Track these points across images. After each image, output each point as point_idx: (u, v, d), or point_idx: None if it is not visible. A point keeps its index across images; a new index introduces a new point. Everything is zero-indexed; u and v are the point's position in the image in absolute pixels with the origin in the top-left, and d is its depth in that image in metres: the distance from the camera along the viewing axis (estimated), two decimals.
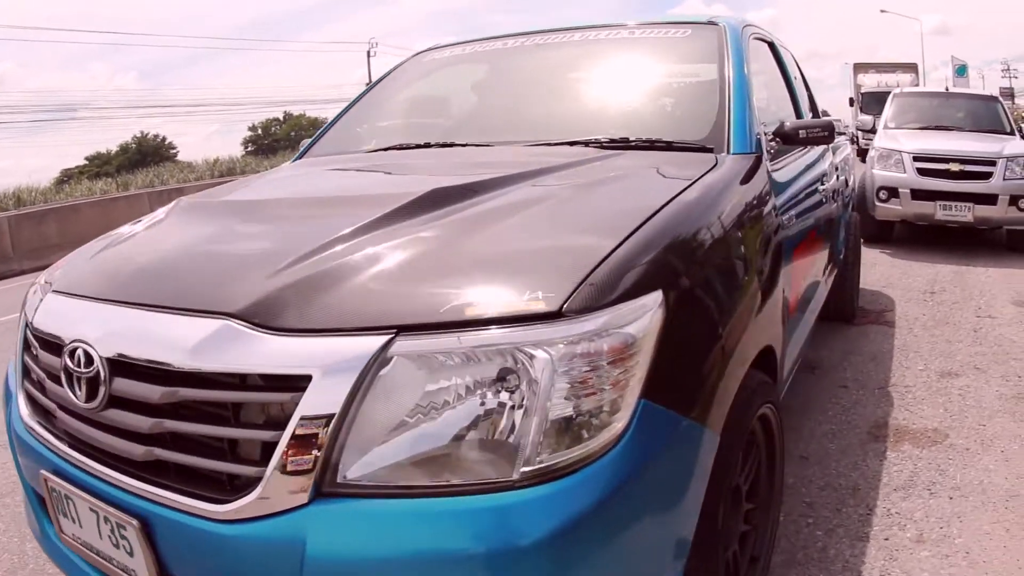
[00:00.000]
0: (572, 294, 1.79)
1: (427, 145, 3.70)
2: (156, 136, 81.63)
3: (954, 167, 10.17)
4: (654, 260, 2.01)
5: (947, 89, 13.65)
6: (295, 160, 4.16)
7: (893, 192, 10.53)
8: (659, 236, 2.11)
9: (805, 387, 5.39)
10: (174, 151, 79.32)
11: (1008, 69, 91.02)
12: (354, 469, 1.70)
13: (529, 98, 4.03)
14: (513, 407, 1.70)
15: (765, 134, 3.33)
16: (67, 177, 53.49)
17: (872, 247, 10.83)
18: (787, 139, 3.44)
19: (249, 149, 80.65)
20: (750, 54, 3.78)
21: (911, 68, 33.45)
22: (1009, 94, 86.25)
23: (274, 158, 46.23)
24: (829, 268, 5.36)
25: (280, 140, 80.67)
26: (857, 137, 19.04)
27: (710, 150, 3.04)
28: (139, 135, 79.44)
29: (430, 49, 4.81)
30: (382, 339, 1.72)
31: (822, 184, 4.56)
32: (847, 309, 6.79)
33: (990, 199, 10.04)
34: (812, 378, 5.61)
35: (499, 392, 1.71)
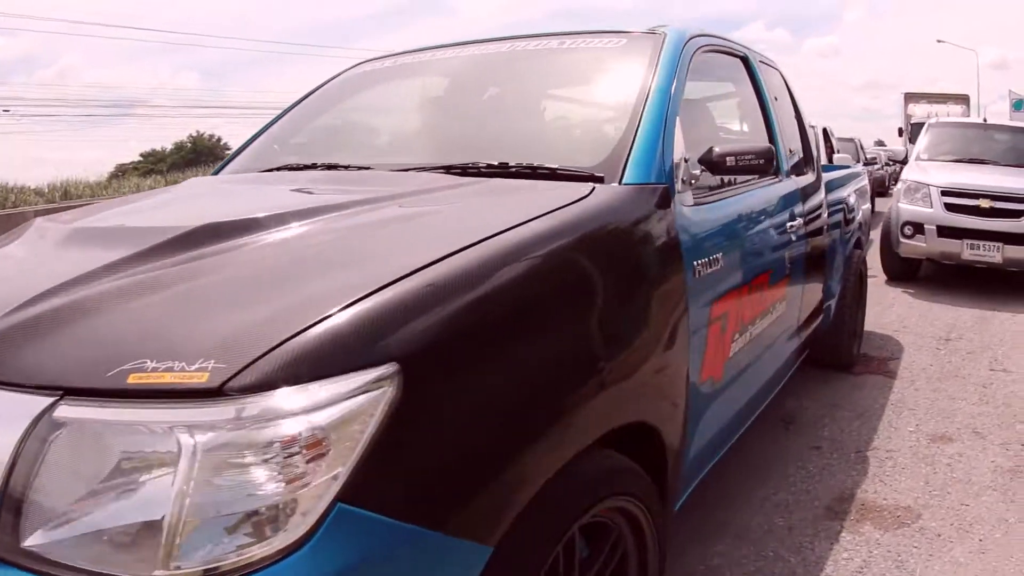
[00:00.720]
0: (244, 369, 1.44)
1: (312, 166, 3.36)
2: (211, 136, 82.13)
3: (984, 203, 9.55)
4: (392, 324, 1.61)
5: (984, 120, 12.85)
6: (214, 173, 3.90)
7: (918, 228, 9.88)
8: (419, 292, 1.70)
9: (773, 445, 4.85)
10: (228, 151, 79.52)
11: None
12: (32, 538, 1.44)
13: (436, 116, 3.83)
14: (160, 498, 1.42)
15: (687, 161, 2.81)
16: (121, 172, 53.95)
17: (895, 285, 10.30)
18: (714, 168, 2.91)
19: None
20: (693, 69, 3.37)
21: (963, 99, 32.52)
22: None
23: None
24: (806, 319, 4.91)
25: None
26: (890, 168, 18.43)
27: (599, 179, 2.62)
28: (195, 134, 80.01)
29: (366, 61, 4.49)
30: (46, 400, 1.48)
31: (794, 220, 4.17)
32: (845, 357, 6.24)
33: (1021, 239, 9.39)
34: (784, 435, 5.06)
35: (148, 478, 1.44)
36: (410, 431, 1.54)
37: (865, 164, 18.11)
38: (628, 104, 2.93)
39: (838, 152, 12.87)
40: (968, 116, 29.41)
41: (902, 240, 10.04)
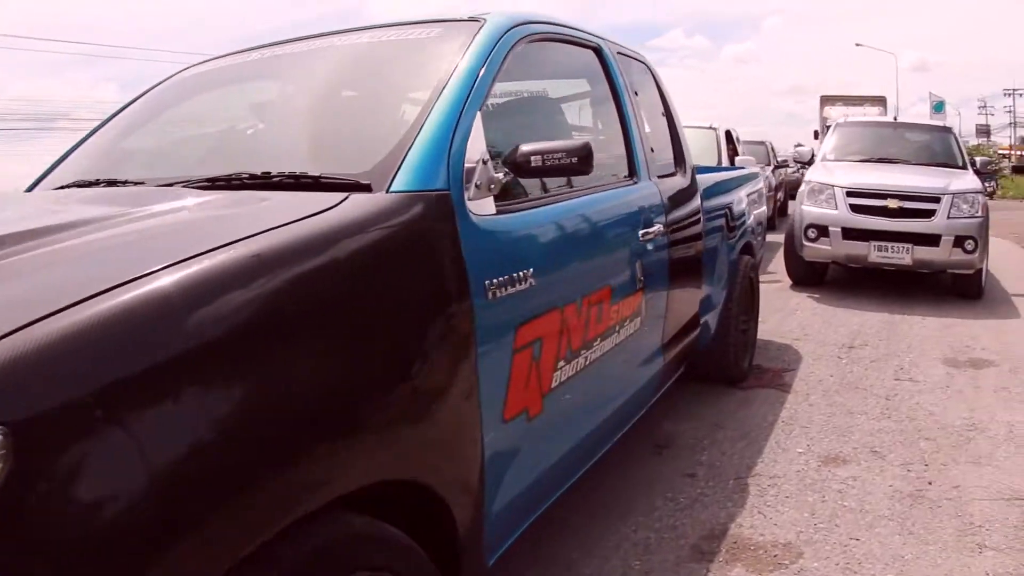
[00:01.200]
0: None
1: (96, 183, 3.05)
2: None
3: (892, 204, 9.30)
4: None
5: (895, 119, 12.75)
6: (27, 189, 3.53)
7: (823, 231, 9.58)
8: (59, 335, 1.37)
9: (642, 473, 4.40)
10: None
11: (985, 106, 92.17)
12: None
13: (227, 123, 3.59)
14: None
15: (487, 163, 2.46)
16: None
17: (800, 290, 9.98)
18: (519, 170, 2.56)
19: None
20: (523, 60, 3.17)
21: (880, 101, 32.93)
22: (986, 131, 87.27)
23: None
24: (675, 335, 4.54)
25: None
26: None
27: (365, 187, 2.26)
28: None
29: (193, 65, 4.11)
30: None
31: (651, 228, 3.84)
32: (733, 371, 5.83)
33: (932, 240, 9.16)
34: (656, 461, 4.59)
35: None
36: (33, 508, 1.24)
37: (777, 167, 18.08)
38: (418, 101, 2.61)
39: (742, 155, 12.69)
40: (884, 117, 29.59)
41: (806, 243, 9.74)
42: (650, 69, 4.88)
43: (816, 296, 9.67)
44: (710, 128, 12.11)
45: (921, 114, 56.33)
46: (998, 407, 5.54)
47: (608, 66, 4.07)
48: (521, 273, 2.52)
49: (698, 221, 4.77)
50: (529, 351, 2.61)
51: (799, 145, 13.85)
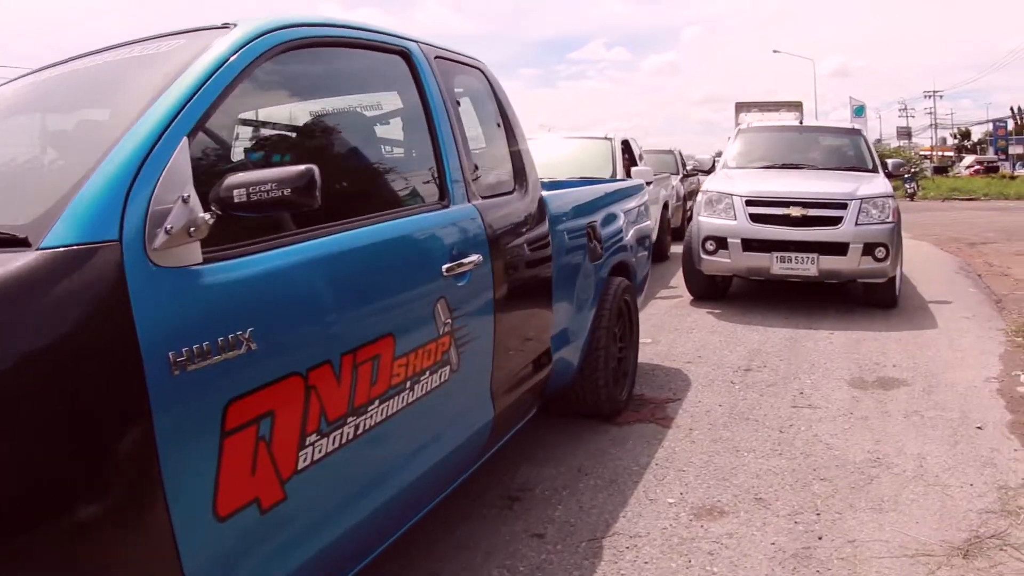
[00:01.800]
0: None
1: None
2: None
3: (795, 212, 8.90)
4: None
5: (800, 122, 12.50)
6: None
7: (721, 243, 9.18)
8: None
9: (482, 531, 3.85)
10: None
11: (905, 109, 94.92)
12: None
13: None
14: None
15: (187, 201, 2.03)
16: None
17: (700, 306, 9.50)
18: (225, 207, 2.12)
19: None
20: (273, 72, 2.79)
21: (796, 106, 33.02)
22: (907, 133, 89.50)
23: None
24: (514, 379, 4.05)
25: None
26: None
27: (22, 241, 1.88)
28: None
29: None
30: None
31: (468, 257, 3.41)
32: (605, 406, 5.30)
33: (839, 248, 8.78)
34: (502, 518, 4.01)
35: None
36: None
37: (686, 176, 17.81)
38: (105, 128, 2.26)
39: (643, 165, 12.37)
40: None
41: (704, 257, 9.32)
42: (485, 75, 4.42)
43: (717, 312, 9.22)
44: (605, 139, 11.66)
45: (842, 118, 57.15)
46: (908, 436, 5.09)
47: (419, 73, 3.64)
48: (234, 336, 2.10)
49: (545, 245, 4.33)
50: (251, 431, 2.17)
51: (719, 155, 13.52)
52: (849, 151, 11.14)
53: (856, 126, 12.26)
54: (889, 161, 11.41)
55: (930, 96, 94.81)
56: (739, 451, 4.92)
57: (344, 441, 2.58)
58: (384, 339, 2.80)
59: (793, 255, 8.81)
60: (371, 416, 2.73)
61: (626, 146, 12.19)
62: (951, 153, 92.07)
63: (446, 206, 3.45)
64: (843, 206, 8.92)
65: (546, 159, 11.00)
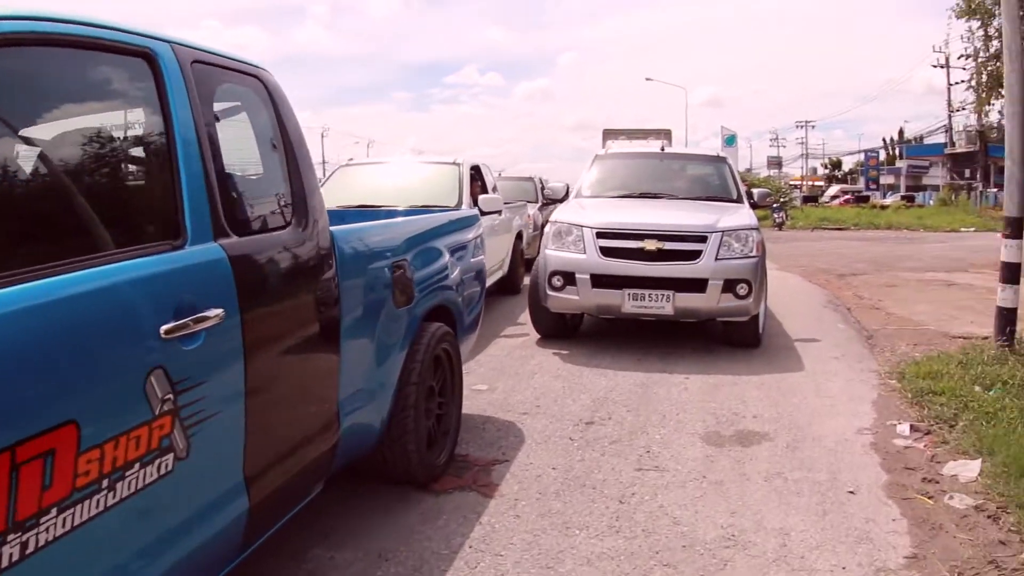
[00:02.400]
0: None
1: None
2: None
3: (650, 245, 8.39)
4: None
5: (662, 149, 11.97)
6: None
7: (569, 278, 8.61)
8: None
9: None
10: None
11: (777, 138, 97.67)
12: None
13: None
14: None
15: None
16: None
17: (547, 346, 8.97)
18: None
19: None
20: None
21: (665, 134, 32.69)
22: (777, 163, 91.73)
23: None
24: (276, 460, 3.33)
25: None
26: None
27: None
28: None
29: None
30: None
31: (208, 312, 2.79)
32: (417, 470, 4.67)
33: (697, 285, 8.33)
34: None
35: None
36: None
37: (546, 203, 17.28)
38: None
39: (494, 193, 11.85)
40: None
41: (550, 293, 8.77)
42: (266, 85, 3.75)
43: (564, 353, 8.65)
44: (453, 164, 11.01)
45: (713, 147, 57.61)
46: (769, 505, 4.58)
47: (163, 79, 2.99)
48: None
49: (330, 289, 3.70)
50: None
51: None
52: (713, 180, 10.76)
53: (722, 154, 11.88)
54: (755, 191, 11.04)
55: (802, 126, 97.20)
56: (570, 528, 4.31)
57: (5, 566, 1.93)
58: (62, 428, 2.15)
59: (647, 292, 8.32)
60: (46, 530, 2.07)
61: (476, 172, 11.62)
62: (822, 183, 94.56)
63: (178, 247, 2.80)
64: (702, 239, 8.48)
65: (390, 186, 10.47)
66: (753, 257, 8.49)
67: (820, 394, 7.09)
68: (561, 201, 10.90)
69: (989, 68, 15.92)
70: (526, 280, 12.18)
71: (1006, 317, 8.15)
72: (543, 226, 16.29)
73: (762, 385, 7.37)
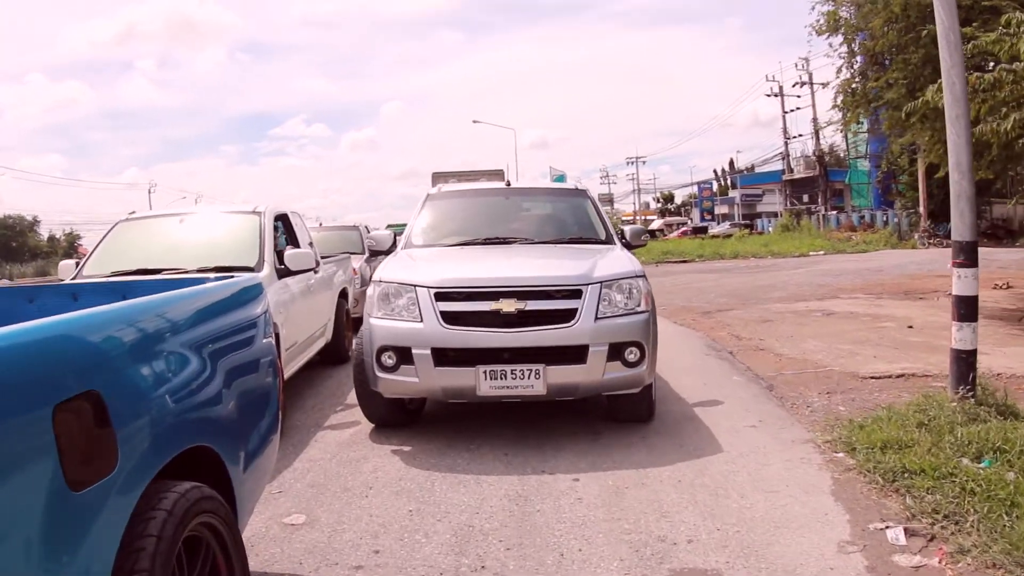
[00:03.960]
0: None
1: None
2: None
3: (508, 306, 6.38)
4: None
5: (508, 183, 9.67)
6: None
7: (404, 355, 6.50)
8: None
9: None
10: None
11: (607, 176, 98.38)
12: None
13: None
14: None
15: None
16: None
17: (384, 438, 6.90)
18: None
19: None
20: None
21: (497, 175, 30.98)
22: (609, 200, 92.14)
23: None
24: None
25: None
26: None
27: None
28: None
29: None
30: None
31: None
32: None
33: (574, 354, 6.37)
34: None
35: None
36: None
37: (373, 255, 15.00)
38: None
39: (309, 247, 9.71)
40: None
41: (381, 375, 6.64)
42: None
43: (406, 450, 6.54)
44: (253, 213, 8.58)
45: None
46: None
47: None
48: None
49: None
50: None
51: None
52: (573, 218, 8.77)
53: (580, 186, 9.77)
54: (626, 228, 8.90)
55: (632, 162, 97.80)
56: None
57: None
58: None
59: (509, 368, 6.27)
60: None
61: (285, 222, 9.38)
62: (654, 216, 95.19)
63: None
64: (575, 294, 6.53)
65: (179, 243, 8.34)
66: (642, 312, 6.58)
67: (760, 488, 5.32)
68: (387, 253, 8.45)
69: (854, 86, 14.75)
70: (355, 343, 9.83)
71: (965, 361, 6.53)
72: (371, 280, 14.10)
73: (680, 482, 5.51)
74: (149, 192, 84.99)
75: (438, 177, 30.49)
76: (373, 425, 7.27)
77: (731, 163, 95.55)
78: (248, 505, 3.56)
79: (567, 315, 6.38)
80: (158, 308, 3.06)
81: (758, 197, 79.60)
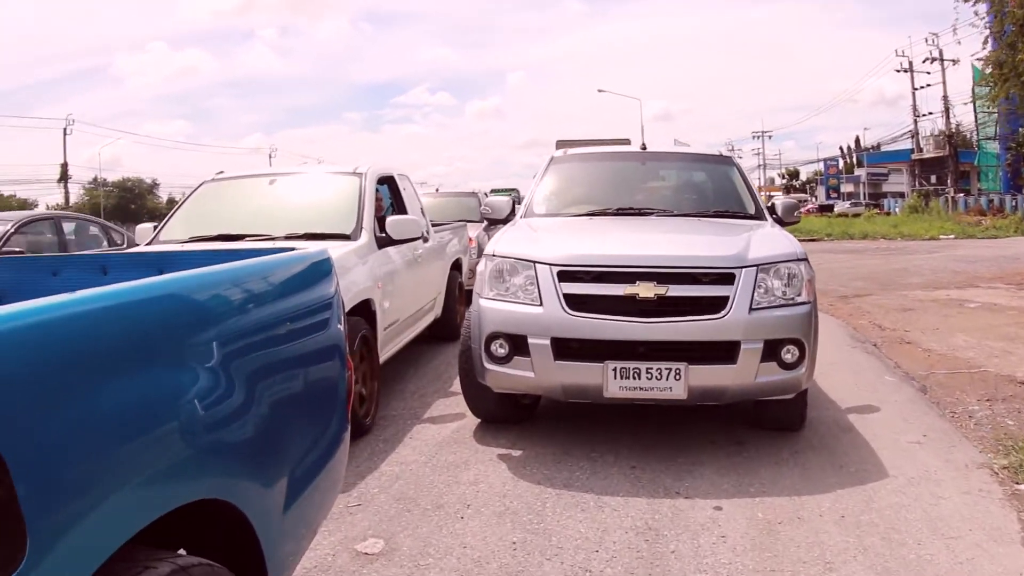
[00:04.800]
0: None
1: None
2: None
3: (646, 290, 5.23)
4: None
5: (643, 146, 8.35)
6: None
7: (518, 344, 5.44)
8: None
9: None
10: None
11: (733, 150, 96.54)
12: None
13: None
14: None
15: None
16: None
17: (490, 438, 5.96)
18: None
19: None
20: None
21: (624, 143, 29.80)
22: None
23: None
24: None
25: None
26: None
27: None
28: None
29: None
30: None
31: None
32: None
33: (722, 352, 5.26)
34: None
35: None
36: None
37: (491, 224, 13.89)
38: None
39: (419, 213, 8.78)
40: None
41: (490, 367, 5.58)
42: None
43: (515, 456, 5.56)
44: (353, 174, 7.59)
45: None
46: None
47: None
48: None
49: None
50: None
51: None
52: (719, 189, 7.59)
53: (725, 152, 8.45)
54: (776, 201, 7.59)
55: (758, 136, 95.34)
56: None
57: None
58: None
59: (643, 366, 5.21)
60: None
61: (391, 186, 8.40)
62: (779, 192, 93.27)
63: None
64: (727, 279, 5.39)
65: (267, 207, 7.41)
66: (803, 304, 5.43)
67: (938, 532, 4.23)
68: (504, 222, 7.30)
69: (1002, 58, 13.32)
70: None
71: None
72: None
73: (843, 519, 4.44)
74: (270, 157, 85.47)
75: (562, 144, 29.41)
76: (479, 420, 6.28)
77: (857, 141, 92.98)
78: (290, 558, 2.59)
79: (716, 304, 5.29)
80: (159, 295, 2.07)
81: (883, 176, 77.39)
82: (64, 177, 65.24)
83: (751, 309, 5.24)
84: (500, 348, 5.51)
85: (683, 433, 5.93)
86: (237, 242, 6.55)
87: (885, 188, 75.60)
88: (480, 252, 12.68)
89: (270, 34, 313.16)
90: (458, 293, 10.44)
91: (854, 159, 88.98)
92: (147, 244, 7.21)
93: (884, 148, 78.51)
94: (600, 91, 73.27)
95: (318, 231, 6.66)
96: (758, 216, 7.03)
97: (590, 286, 5.41)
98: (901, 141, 70.73)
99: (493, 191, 29.62)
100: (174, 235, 7.18)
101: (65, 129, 64.86)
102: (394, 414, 6.56)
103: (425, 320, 8.84)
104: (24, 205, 79.24)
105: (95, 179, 77.33)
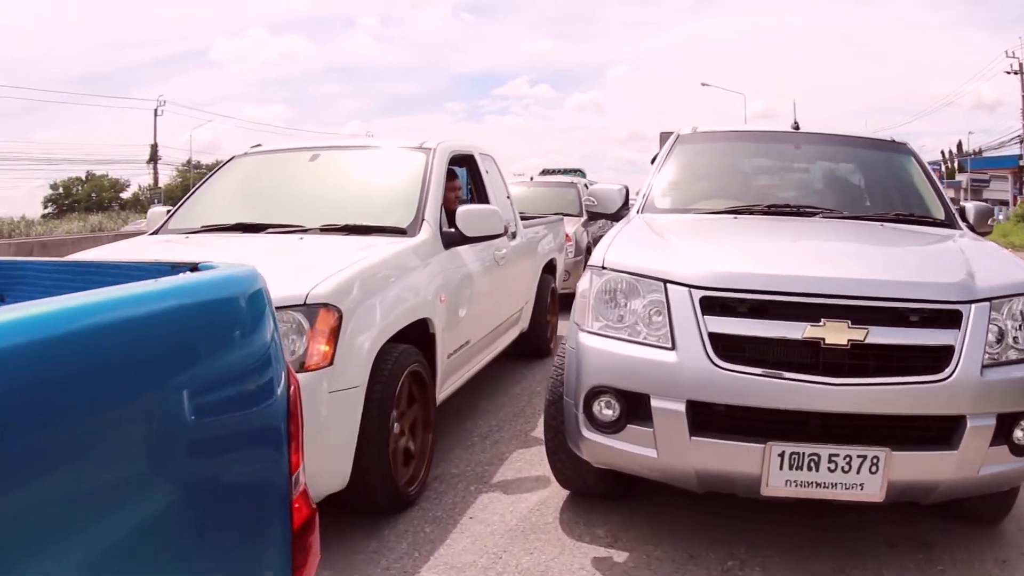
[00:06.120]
0: None
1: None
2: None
3: (835, 334, 3.33)
4: None
5: (796, 125, 6.00)
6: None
7: (635, 406, 3.55)
8: None
9: None
10: None
11: None
12: None
13: None
14: None
15: None
16: None
17: (579, 521, 4.21)
18: None
19: (48, 210, 79.23)
20: None
21: None
22: None
23: (71, 219, 47.86)
24: None
25: (80, 201, 79.85)
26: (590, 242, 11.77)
27: None
28: None
29: None
30: None
31: None
32: None
33: (940, 431, 3.39)
34: None
35: None
36: None
37: (593, 217, 11.96)
38: None
39: (506, 200, 7.05)
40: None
41: (588, 435, 3.71)
42: None
43: (617, 558, 3.80)
44: (419, 149, 5.77)
45: None
46: None
47: None
48: None
49: None
50: None
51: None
52: (892, 184, 5.65)
53: (899, 139, 6.35)
54: (967, 205, 5.56)
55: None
56: None
57: None
58: None
59: (825, 451, 3.35)
60: None
61: (470, 167, 6.65)
62: None
63: None
64: (951, 319, 3.48)
65: (307, 188, 5.77)
66: None
67: None
68: (614, 219, 5.38)
69: None
70: (563, 330, 6.36)
71: None
72: (588, 249, 10.95)
73: None
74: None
75: (666, 137, 27.68)
76: (568, 492, 4.52)
77: (959, 145, 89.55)
78: None
79: (933, 357, 3.43)
80: None
81: (984, 183, 74.25)
82: (154, 158, 65.11)
83: (985, 362, 3.39)
84: (607, 409, 3.65)
85: (844, 527, 4.13)
86: (257, 233, 5.06)
87: (986, 195, 72.75)
88: (578, 251, 10.86)
89: (371, 22, 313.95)
90: (550, 301, 8.53)
91: (955, 164, 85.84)
92: (153, 232, 5.59)
93: (987, 154, 75.54)
94: (704, 85, 71.57)
95: (364, 223, 5.05)
96: (949, 223, 5.11)
97: (748, 323, 3.53)
98: (1008, 147, 67.44)
99: (544, 172, 26.83)
100: (185, 223, 5.53)
101: (156, 110, 63.25)
102: (453, 472, 4.83)
103: (507, 337, 7.04)
104: (116, 184, 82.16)
105: (188, 161, 77.83)
